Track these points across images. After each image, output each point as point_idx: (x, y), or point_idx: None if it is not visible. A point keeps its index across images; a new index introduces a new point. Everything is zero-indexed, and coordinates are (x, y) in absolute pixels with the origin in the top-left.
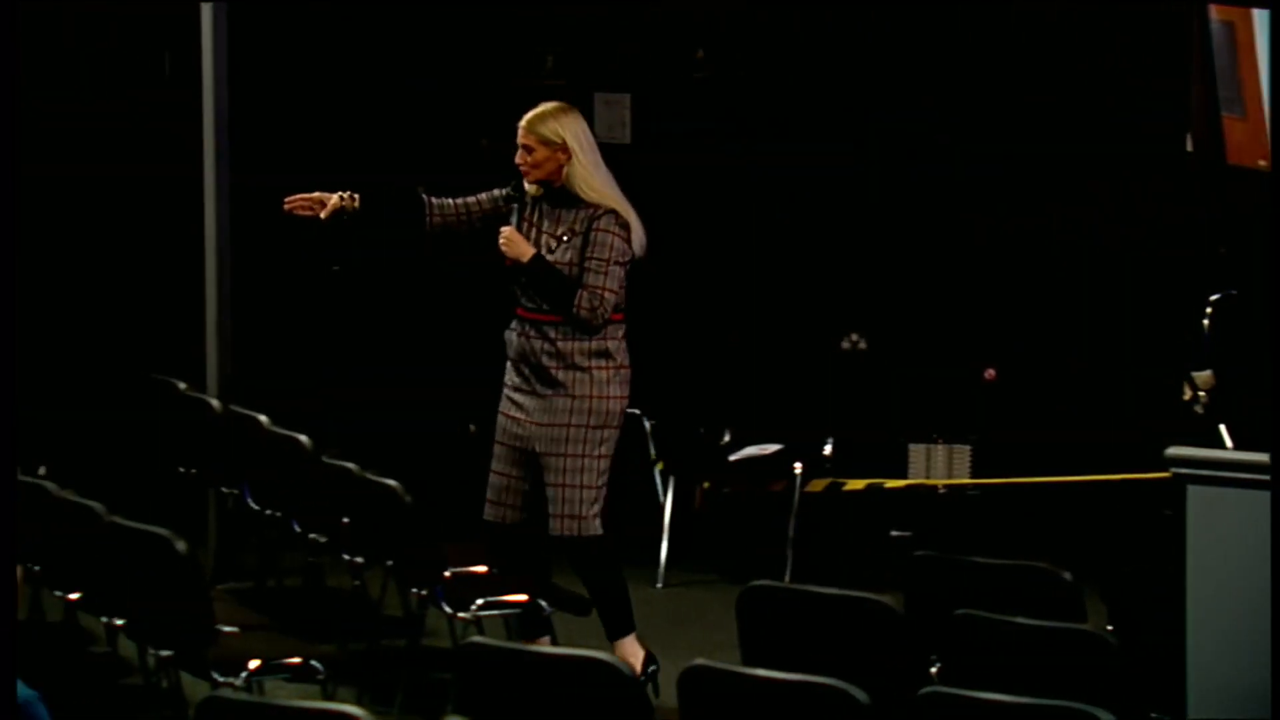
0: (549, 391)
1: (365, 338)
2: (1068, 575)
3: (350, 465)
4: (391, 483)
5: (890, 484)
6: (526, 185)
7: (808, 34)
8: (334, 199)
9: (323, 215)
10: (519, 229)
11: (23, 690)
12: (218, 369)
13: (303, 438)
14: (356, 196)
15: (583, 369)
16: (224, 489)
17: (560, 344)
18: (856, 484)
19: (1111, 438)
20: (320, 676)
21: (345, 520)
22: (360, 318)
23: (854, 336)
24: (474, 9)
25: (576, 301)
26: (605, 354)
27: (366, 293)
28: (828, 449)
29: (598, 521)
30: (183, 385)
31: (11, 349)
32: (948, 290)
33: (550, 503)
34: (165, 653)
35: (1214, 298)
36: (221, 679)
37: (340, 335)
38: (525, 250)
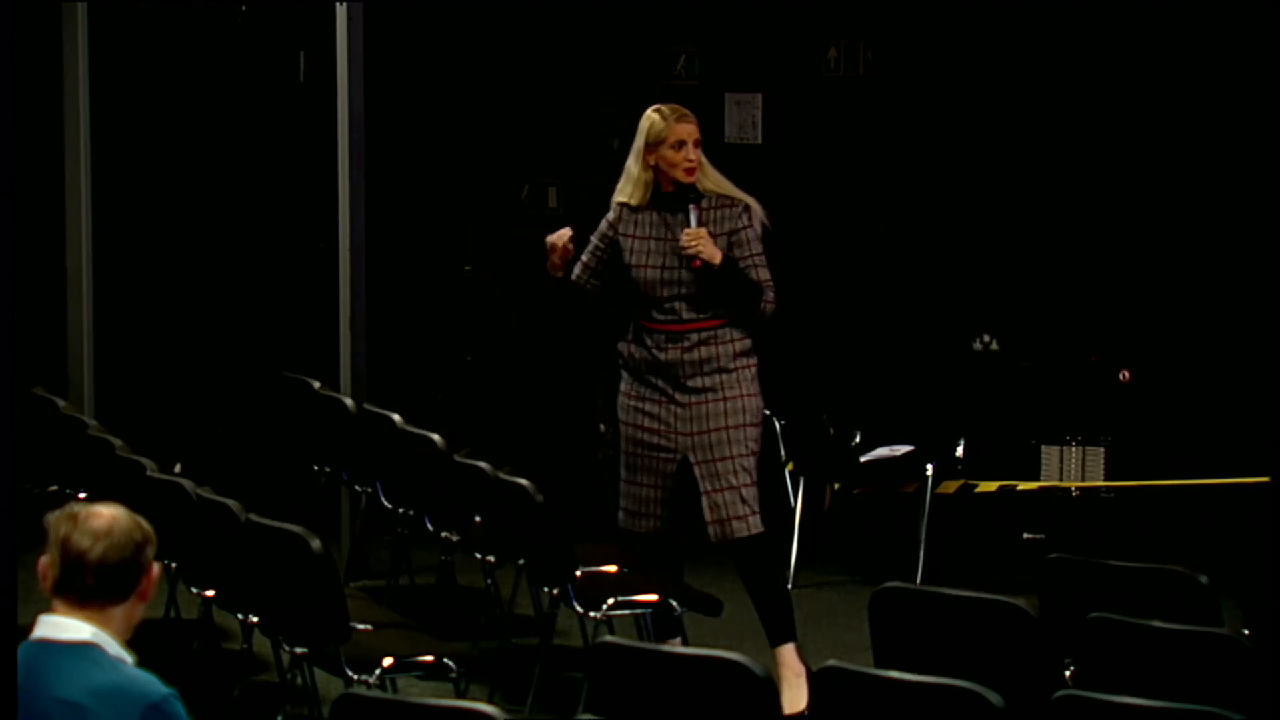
0: (694, 399)
1: (497, 338)
2: (1204, 579)
3: (482, 464)
4: (523, 482)
5: (1023, 486)
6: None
7: (942, 33)
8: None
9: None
10: (653, 237)
11: (160, 687)
12: (351, 368)
13: (435, 437)
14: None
15: (730, 370)
16: (358, 487)
17: (703, 349)
18: (989, 486)
19: (1248, 439)
20: (453, 674)
21: (477, 519)
22: (492, 317)
23: (986, 337)
24: (606, 9)
25: (764, 298)
26: (748, 352)
27: (498, 292)
28: (960, 450)
29: (758, 519)
30: (317, 384)
31: (12, 347)
32: (1082, 289)
33: (708, 509)
34: (299, 650)
35: None
36: (355, 676)
37: (472, 335)
38: (716, 251)
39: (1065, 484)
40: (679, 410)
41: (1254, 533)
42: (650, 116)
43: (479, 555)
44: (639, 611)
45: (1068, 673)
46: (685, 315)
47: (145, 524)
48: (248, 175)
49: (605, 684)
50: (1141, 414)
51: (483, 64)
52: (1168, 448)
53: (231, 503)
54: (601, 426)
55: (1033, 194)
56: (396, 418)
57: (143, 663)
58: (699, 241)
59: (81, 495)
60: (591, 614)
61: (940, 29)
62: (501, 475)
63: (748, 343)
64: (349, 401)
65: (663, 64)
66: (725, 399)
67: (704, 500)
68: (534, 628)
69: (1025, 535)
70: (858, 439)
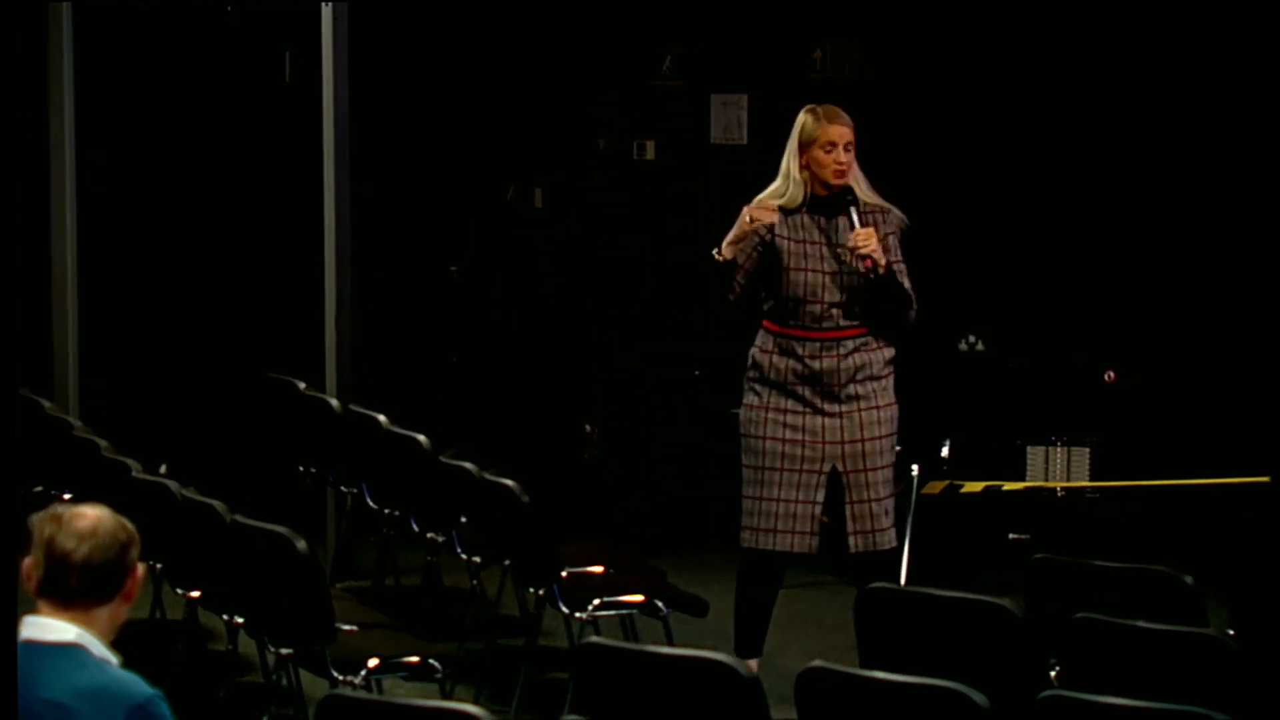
0: (846, 408)
1: (483, 338)
2: (1189, 579)
3: (468, 465)
4: (509, 482)
5: (1008, 486)
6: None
7: (929, 34)
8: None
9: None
10: (803, 239)
11: (145, 688)
12: (337, 368)
13: (421, 437)
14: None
15: (881, 378)
16: (343, 488)
17: (857, 356)
18: (974, 486)
19: (1233, 440)
20: (438, 675)
21: (463, 519)
22: (478, 319)
23: (972, 338)
24: (592, 9)
25: (912, 306)
26: (894, 360)
27: (484, 294)
28: (945, 451)
29: (895, 532)
30: (302, 385)
31: (11, 348)
32: (1067, 290)
33: (857, 519)
34: (285, 650)
35: None
36: (341, 677)
37: (458, 336)
38: (883, 255)
39: (1050, 484)
40: (830, 420)
41: (1239, 533)
42: (803, 116)
43: (465, 556)
44: (625, 612)
45: (1053, 673)
46: (842, 322)
47: (130, 525)
48: (233, 175)
49: (590, 685)
50: (1126, 414)
51: (468, 64)
52: (1153, 448)
53: (217, 503)
54: (588, 427)
55: (1020, 194)
56: (382, 418)
57: (128, 663)
58: (870, 241)
59: (66, 496)
60: (577, 615)
61: (927, 30)
62: (487, 476)
63: (893, 350)
64: (334, 402)
65: (649, 64)
66: (878, 407)
67: (850, 510)
68: (519, 628)
69: (1011, 535)
70: None
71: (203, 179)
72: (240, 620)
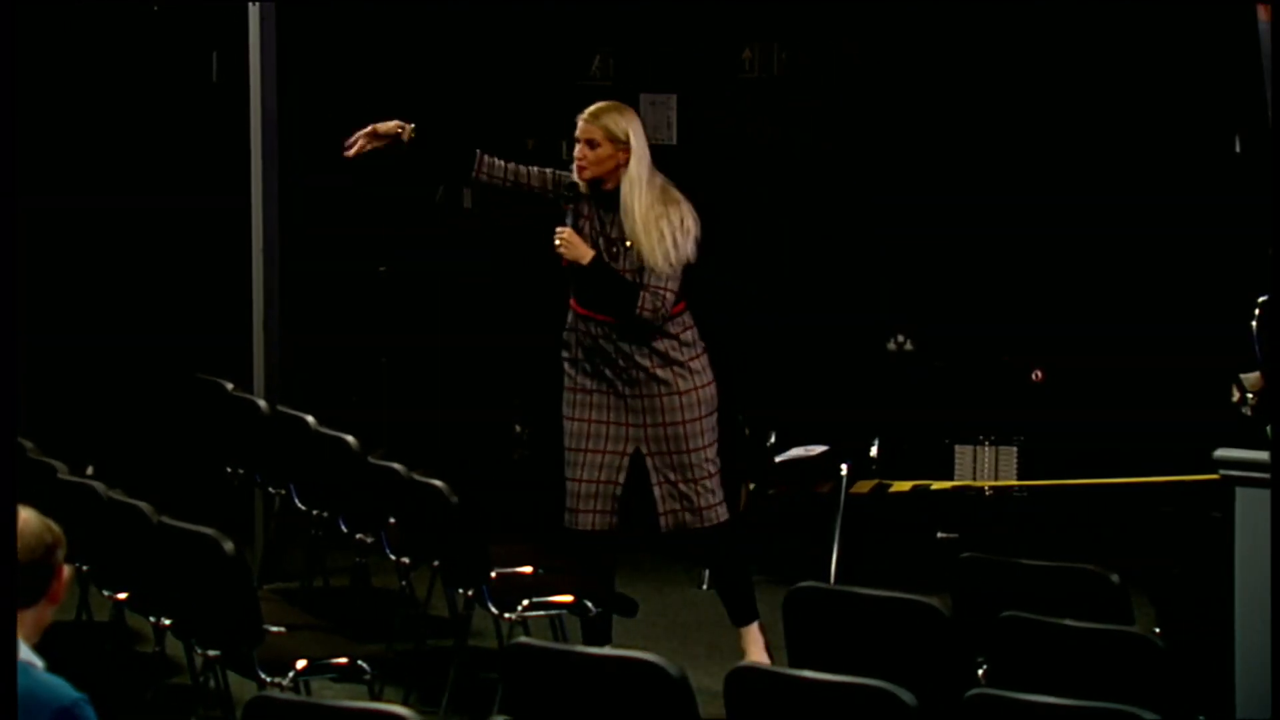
0: (647, 391)
1: (412, 339)
2: (1115, 577)
3: (397, 466)
4: (438, 483)
5: (936, 485)
6: (577, 182)
7: (854, 34)
8: (391, 124)
9: (380, 133)
10: (575, 228)
11: (70, 691)
12: (265, 370)
13: (349, 438)
14: (410, 127)
15: (680, 363)
16: (271, 489)
17: (656, 342)
18: (903, 485)
19: (1159, 440)
20: (367, 676)
21: (392, 520)
22: (404, 318)
23: (900, 337)
24: (521, 9)
25: (640, 303)
26: (693, 343)
27: (411, 293)
28: (874, 450)
29: (724, 508)
30: (230, 386)
31: (12, 341)
32: (994, 290)
33: (665, 500)
34: (212, 652)
35: (1262, 299)
36: (269, 679)
37: (386, 335)
38: (585, 252)
39: (978, 483)
40: (634, 402)
41: (1165, 531)
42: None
43: (394, 557)
44: (554, 613)
45: (980, 671)
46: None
47: (55, 526)
48: (160, 175)
49: (520, 685)
50: (1053, 414)
51: (396, 63)
52: (1080, 447)
53: (144, 505)
54: (517, 427)
55: (946, 193)
56: (310, 419)
57: (53, 667)
58: (565, 244)
59: None
60: (506, 615)
61: (852, 30)
62: (416, 476)
63: (689, 333)
64: (262, 403)
65: (577, 65)
66: (680, 392)
67: (657, 491)
68: (449, 629)
69: (939, 534)
70: (772, 439)
71: (129, 179)
72: (167, 622)
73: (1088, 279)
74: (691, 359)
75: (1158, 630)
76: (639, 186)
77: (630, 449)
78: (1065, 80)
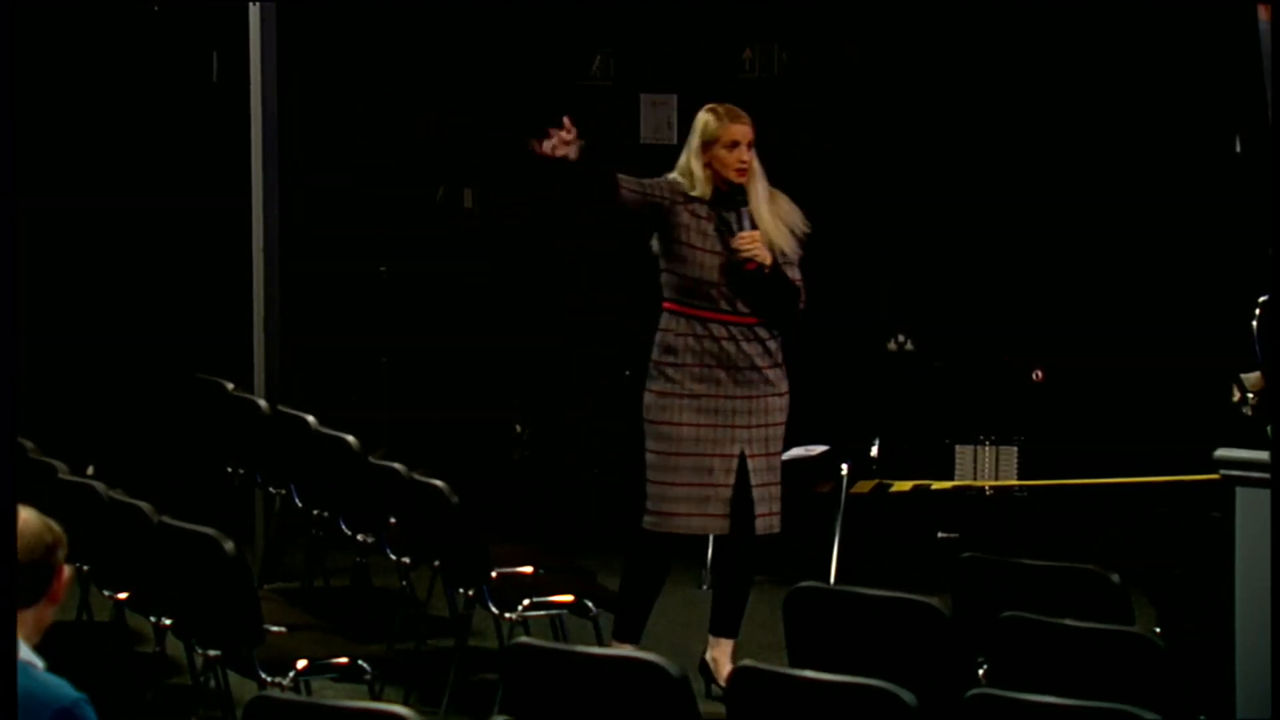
0: (757, 392)
1: (410, 338)
2: (1115, 577)
3: (397, 466)
4: (438, 483)
5: (937, 485)
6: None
7: (855, 34)
8: (574, 134)
9: (571, 141)
10: (699, 230)
11: (70, 691)
12: (265, 370)
13: (350, 438)
14: (581, 144)
15: (782, 366)
16: (272, 489)
17: (770, 343)
18: (903, 485)
19: (1159, 439)
20: (367, 676)
21: (392, 520)
22: (404, 318)
23: (900, 337)
24: (521, 9)
25: (800, 298)
26: (781, 351)
27: (412, 293)
28: (874, 450)
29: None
30: (231, 386)
31: (11, 345)
32: (995, 290)
33: (762, 502)
34: (213, 652)
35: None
36: (269, 679)
37: (386, 335)
38: (768, 255)
39: (979, 483)
40: (742, 404)
41: (1166, 531)
42: (704, 115)
43: (394, 557)
44: (554, 612)
45: (981, 671)
46: (740, 308)
47: (56, 526)
48: (160, 176)
49: (520, 685)
50: (1054, 414)
51: (397, 64)
52: (1080, 447)
53: (144, 505)
54: (518, 427)
55: (946, 193)
56: (311, 419)
57: (54, 667)
58: (754, 246)
59: None
60: (507, 615)
61: (852, 30)
62: (416, 476)
63: (782, 340)
64: (262, 403)
65: (578, 64)
66: (781, 394)
67: (755, 494)
68: (449, 629)
69: (939, 534)
70: None
71: (130, 179)
72: (168, 622)
73: (1088, 279)
74: (782, 365)
75: (1158, 630)
76: (763, 183)
77: (738, 451)
78: (1065, 80)
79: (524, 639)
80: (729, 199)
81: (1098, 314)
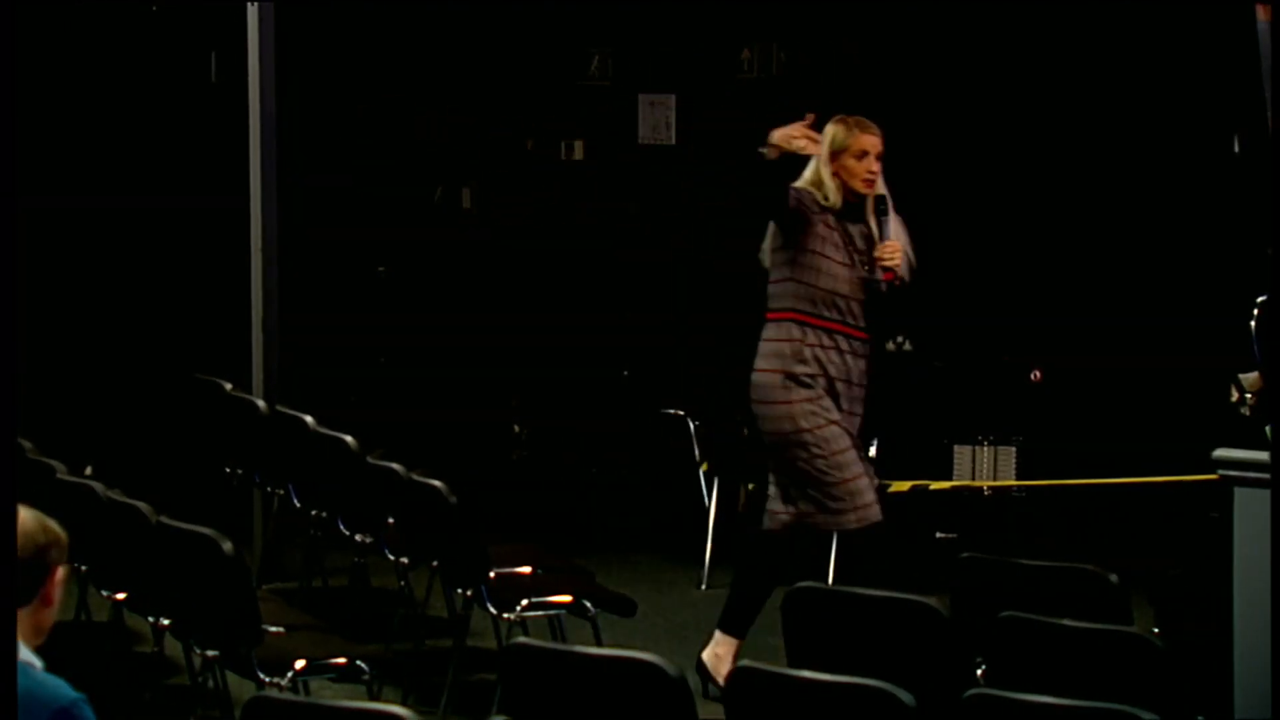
0: (859, 394)
1: (411, 339)
2: (1114, 577)
3: (396, 466)
4: (437, 483)
5: (935, 485)
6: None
7: (854, 34)
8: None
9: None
10: (832, 242)
11: (68, 691)
12: (264, 370)
13: (348, 438)
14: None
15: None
16: (270, 489)
17: (865, 360)
18: (901, 485)
19: (1158, 439)
20: (365, 676)
21: (390, 520)
22: (406, 319)
23: (899, 337)
24: (520, 9)
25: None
26: None
27: (412, 294)
28: (872, 450)
29: None
30: (229, 386)
31: (11, 349)
32: (993, 290)
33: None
34: (211, 653)
35: (1261, 299)
36: (267, 679)
37: (386, 336)
38: (905, 268)
39: (977, 483)
40: (848, 417)
41: (1165, 531)
42: (833, 126)
43: (392, 557)
44: (553, 613)
45: (979, 671)
46: (860, 322)
47: (53, 526)
48: (159, 176)
49: (518, 685)
50: (1052, 414)
51: (396, 64)
52: (1078, 447)
53: (142, 505)
54: (516, 427)
55: (944, 193)
56: (309, 419)
57: (52, 666)
58: (897, 255)
59: None
60: (505, 615)
61: (852, 30)
62: (415, 476)
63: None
64: (261, 403)
65: (577, 65)
66: (862, 416)
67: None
68: (448, 629)
69: (938, 534)
70: None
71: (129, 179)
72: (166, 622)
73: (1087, 278)
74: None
75: (1156, 630)
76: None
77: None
78: (1064, 79)
79: (522, 639)
80: (856, 210)
81: (1097, 313)
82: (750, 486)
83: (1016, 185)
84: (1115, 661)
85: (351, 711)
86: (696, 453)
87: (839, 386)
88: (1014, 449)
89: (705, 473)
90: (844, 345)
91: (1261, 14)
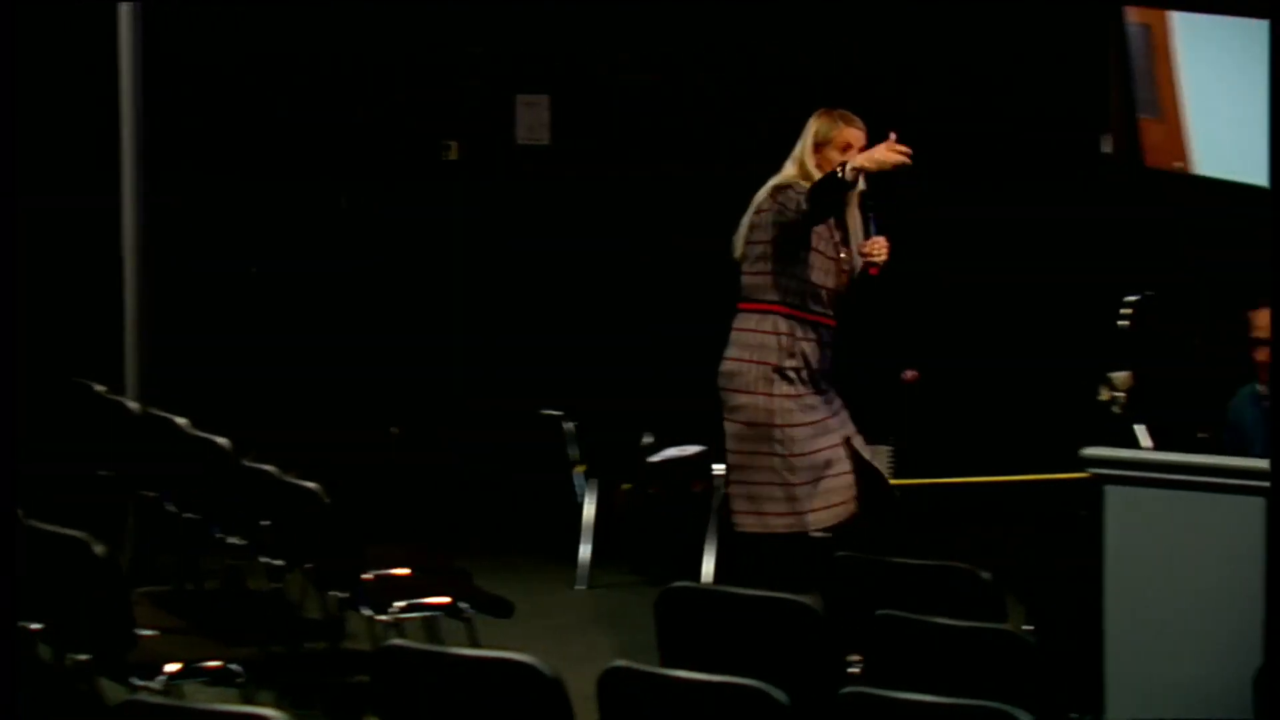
0: (834, 390)
1: (284, 339)
2: (986, 575)
3: (269, 467)
4: (311, 485)
5: None
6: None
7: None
8: None
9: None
10: (822, 236)
11: None
12: (136, 371)
13: (222, 440)
14: None
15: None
16: (143, 492)
17: (834, 346)
18: None
19: (1030, 438)
20: (239, 680)
21: (265, 523)
22: (278, 319)
23: None
24: (395, 9)
25: None
26: None
27: (284, 295)
28: None
29: None
30: (101, 388)
31: (11, 348)
32: (867, 290)
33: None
34: (83, 656)
35: (1131, 298)
36: (140, 682)
37: (258, 337)
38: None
39: None
40: (829, 404)
41: (1037, 530)
42: (817, 119)
43: (266, 559)
44: (429, 614)
45: (854, 669)
46: (834, 312)
47: None
48: (28, 176)
49: (392, 687)
50: (926, 413)
51: (268, 63)
52: (952, 446)
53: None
54: (393, 429)
55: None
56: (182, 421)
57: None
58: (884, 252)
59: None
60: (380, 617)
61: (732, 35)
62: (289, 478)
63: None
64: (133, 405)
65: (452, 64)
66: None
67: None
68: (323, 632)
69: (813, 533)
70: (648, 439)
71: None
72: (37, 626)
73: (959, 278)
74: None
75: (1029, 628)
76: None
77: (844, 438)
78: (932, 78)
79: (396, 641)
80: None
81: (969, 312)
82: (627, 487)
83: (890, 185)
84: (989, 659)
85: (223, 715)
86: (573, 454)
87: (821, 376)
88: (888, 448)
89: (582, 474)
90: (825, 337)
91: (1133, 15)
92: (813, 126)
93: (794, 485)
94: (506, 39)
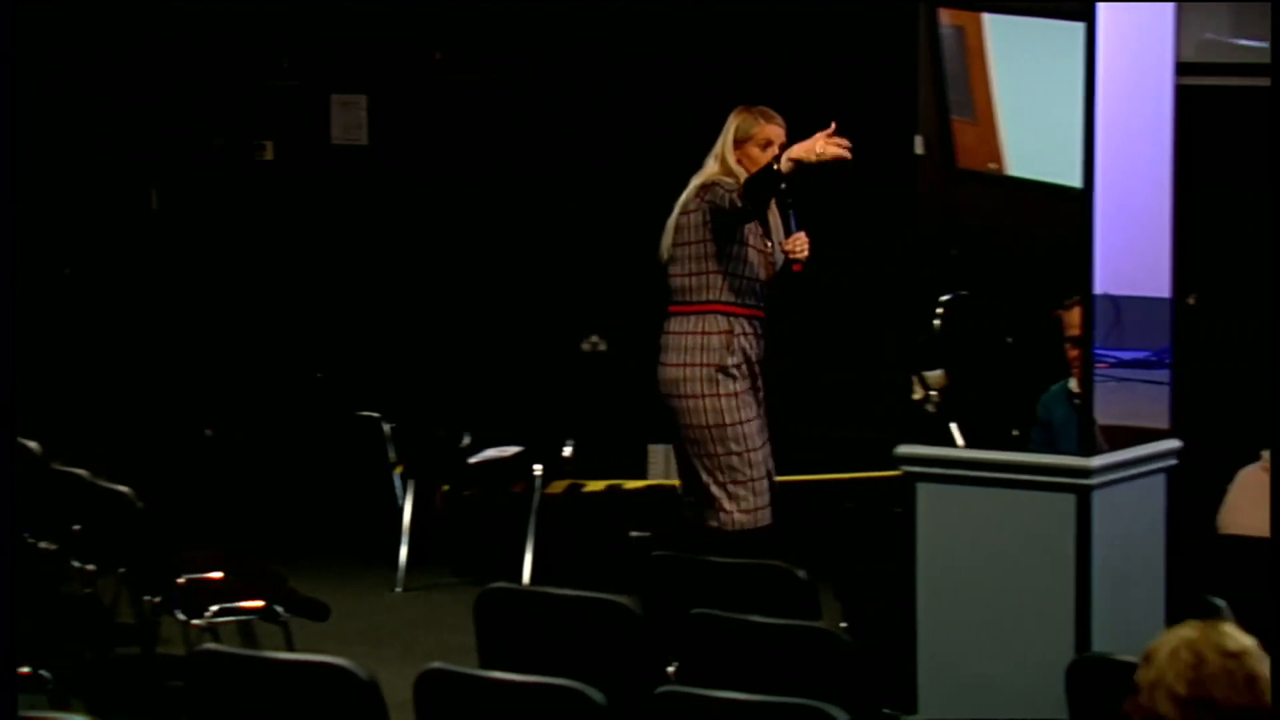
0: (761, 384)
1: (98, 342)
2: (802, 573)
3: (81, 471)
4: (123, 489)
5: (629, 485)
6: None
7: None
8: None
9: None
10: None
11: None
12: None
13: (32, 444)
14: None
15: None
16: None
17: (764, 341)
18: (596, 485)
19: (842, 436)
20: (50, 686)
21: (76, 527)
22: (90, 321)
23: (594, 338)
24: (209, 8)
25: None
26: None
27: (97, 296)
28: (568, 450)
29: None
30: None
31: (11, 351)
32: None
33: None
34: None
35: (945, 298)
36: None
37: (71, 339)
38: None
39: (671, 482)
40: (756, 397)
41: (850, 528)
42: (737, 116)
43: (78, 564)
44: (244, 618)
45: (671, 669)
46: (763, 304)
47: None
48: None
49: (206, 692)
50: None
51: (80, 60)
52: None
53: None
54: (207, 431)
55: (624, 197)
56: None
57: None
58: (807, 248)
59: None
60: (194, 621)
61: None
62: (100, 482)
63: None
64: None
65: (266, 63)
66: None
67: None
68: (136, 637)
69: (632, 534)
70: (466, 440)
71: None
72: None
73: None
74: None
75: (844, 625)
76: None
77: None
78: (703, 80)
79: (209, 645)
80: None
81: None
82: (445, 487)
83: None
84: (803, 657)
85: None
86: (391, 454)
87: (753, 370)
88: None
89: (400, 474)
90: (759, 329)
91: (946, 18)
92: (733, 123)
93: (755, 480)
94: (322, 39)
